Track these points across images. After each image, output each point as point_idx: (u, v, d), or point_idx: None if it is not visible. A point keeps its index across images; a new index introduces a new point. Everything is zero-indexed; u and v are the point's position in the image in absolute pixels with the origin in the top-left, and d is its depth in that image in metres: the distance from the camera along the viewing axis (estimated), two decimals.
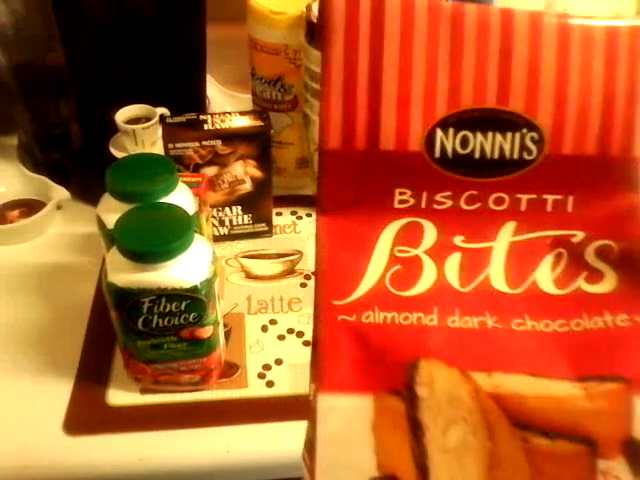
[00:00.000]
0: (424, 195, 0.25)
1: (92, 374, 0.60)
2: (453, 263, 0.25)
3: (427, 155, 0.24)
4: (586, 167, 0.25)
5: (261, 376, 0.60)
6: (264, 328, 0.65)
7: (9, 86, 0.74)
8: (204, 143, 0.66)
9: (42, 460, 0.55)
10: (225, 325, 0.64)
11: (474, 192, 0.25)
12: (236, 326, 0.65)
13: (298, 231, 0.77)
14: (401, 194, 0.25)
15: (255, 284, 0.70)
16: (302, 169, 0.81)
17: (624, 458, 0.23)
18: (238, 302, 0.68)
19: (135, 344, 0.54)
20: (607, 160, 0.25)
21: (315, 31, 0.65)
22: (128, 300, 0.50)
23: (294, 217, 0.79)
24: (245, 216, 0.73)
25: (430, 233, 0.25)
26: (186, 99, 0.83)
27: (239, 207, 0.72)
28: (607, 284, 0.25)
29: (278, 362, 0.62)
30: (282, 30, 0.69)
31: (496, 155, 0.24)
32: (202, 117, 0.68)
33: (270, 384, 0.60)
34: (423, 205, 0.25)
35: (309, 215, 0.80)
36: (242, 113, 0.69)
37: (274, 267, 0.72)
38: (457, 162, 0.25)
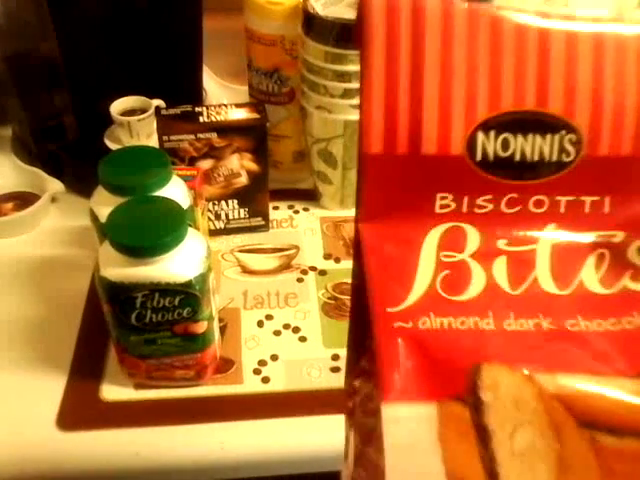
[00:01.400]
0: (465, 199, 0.25)
1: (86, 369, 0.60)
2: (500, 266, 0.25)
3: (469, 158, 0.24)
4: (622, 168, 0.25)
5: (256, 372, 0.60)
6: (260, 323, 0.64)
7: (2, 77, 0.73)
8: (199, 136, 0.65)
9: (35, 455, 0.54)
10: (220, 320, 0.63)
11: (514, 195, 0.25)
12: (232, 321, 0.64)
13: (295, 225, 0.76)
14: (442, 199, 0.25)
15: (251, 279, 0.69)
16: (299, 162, 0.81)
17: None
18: (234, 297, 0.67)
19: (128, 339, 0.53)
20: None
21: (350, 32, 0.63)
22: (121, 295, 0.49)
23: (291, 211, 0.78)
24: (241, 210, 0.73)
25: (473, 237, 0.25)
26: (182, 91, 0.82)
27: (235, 201, 0.72)
28: None
29: (274, 358, 0.61)
30: (278, 21, 0.68)
31: (536, 157, 0.24)
32: (197, 109, 0.67)
33: (265, 380, 0.59)
34: (464, 209, 0.25)
35: (306, 209, 0.79)
36: (238, 105, 0.68)
37: (270, 262, 0.71)
38: (498, 165, 0.24)
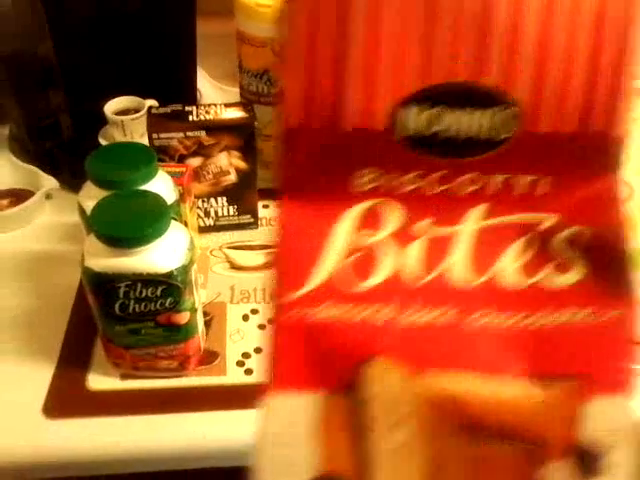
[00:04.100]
0: (391, 176, 0.24)
1: (73, 359, 0.61)
2: (415, 250, 0.24)
3: (394, 134, 0.23)
4: (565, 145, 0.23)
5: (240, 364, 0.61)
6: (245, 317, 0.66)
7: None
8: (189, 134, 0.67)
9: (21, 442, 0.55)
10: (207, 314, 0.64)
11: (444, 172, 0.23)
12: (218, 315, 0.66)
13: None
14: (367, 174, 0.24)
15: (239, 274, 0.71)
16: None
17: (573, 458, 0.22)
18: (221, 291, 0.68)
19: (113, 329, 0.55)
20: (587, 138, 0.23)
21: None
22: (105, 285, 0.51)
23: None
24: (230, 207, 0.74)
25: (395, 216, 0.24)
26: (177, 92, 0.84)
27: (224, 198, 0.73)
28: (575, 274, 0.23)
29: (257, 351, 0.62)
30: (268, 23, 0.70)
31: (468, 133, 0.23)
32: (187, 108, 0.68)
33: (249, 372, 0.60)
34: (390, 186, 0.24)
35: None
36: (227, 105, 0.70)
37: (258, 258, 0.73)
38: (427, 141, 0.23)
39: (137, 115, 0.76)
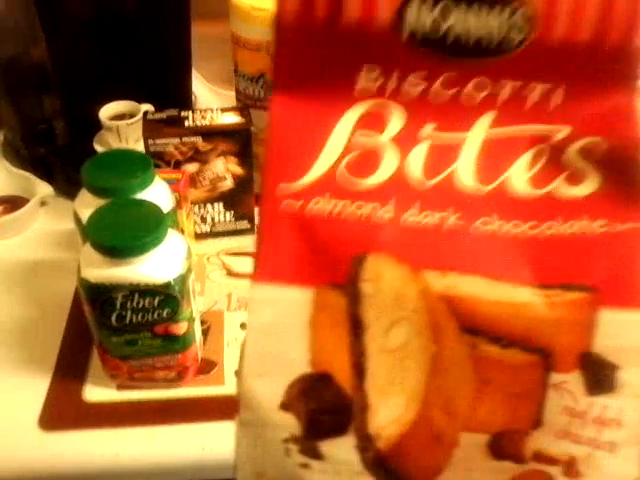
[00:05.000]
0: (395, 74, 0.22)
1: (69, 370, 0.60)
2: (419, 153, 0.23)
3: (399, 29, 0.21)
4: (580, 54, 0.22)
5: (238, 373, 0.60)
6: (243, 325, 0.65)
7: None
8: (184, 139, 0.66)
9: (16, 455, 0.54)
10: (204, 322, 0.64)
11: (452, 74, 0.22)
12: (215, 323, 0.65)
13: None
14: (369, 72, 0.22)
15: (236, 281, 0.70)
16: None
17: (579, 372, 0.21)
18: (218, 299, 0.67)
19: (110, 340, 0.54)
20: (603, 48, 0.22)
21: None
22: (101, 295, 0.50)
23: None
24: (227, 213, 0.73)
25: (398, 118, 0.23)
26: (172, 96, 0.83)
27: (221, 204, 0.72)
28: (589, 186, 0.22)
29: None
30: (263, 26, 0.69)
31: (480, 33, 0.21)
32: (183, 113, 0.68)
33: None
34: (393, 86, 0.22)
35: None
36: (223, 110, 0.69)
37: None
38: (434, 39, 0.21)
39: (132, 120, 0.75)
